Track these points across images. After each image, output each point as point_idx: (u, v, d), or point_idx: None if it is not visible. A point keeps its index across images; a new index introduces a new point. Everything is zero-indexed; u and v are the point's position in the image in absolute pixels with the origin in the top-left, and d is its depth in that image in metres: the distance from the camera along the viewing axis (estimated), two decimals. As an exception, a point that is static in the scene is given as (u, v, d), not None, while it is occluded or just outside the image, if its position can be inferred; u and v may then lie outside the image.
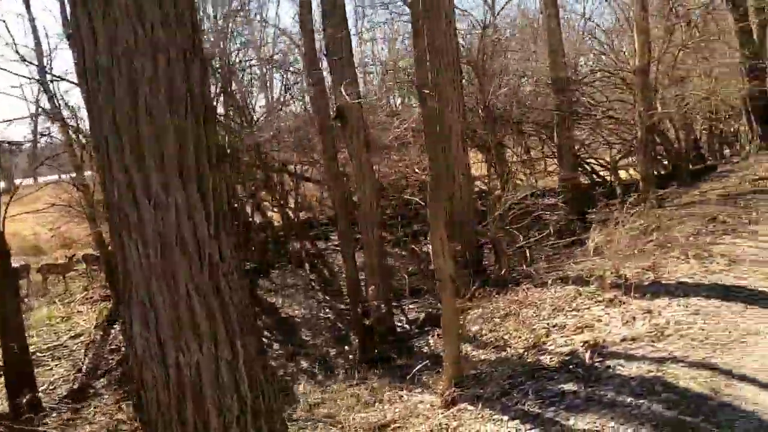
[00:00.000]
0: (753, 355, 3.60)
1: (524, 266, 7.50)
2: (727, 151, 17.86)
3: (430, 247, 9.56)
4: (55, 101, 9.89)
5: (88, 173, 10.01)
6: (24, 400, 5.70)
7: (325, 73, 7.28)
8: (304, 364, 8.14)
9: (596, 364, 3.89)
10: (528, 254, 8.12)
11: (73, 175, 10.77)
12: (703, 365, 3.52)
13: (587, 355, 4.03)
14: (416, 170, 8.00)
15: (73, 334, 9.39)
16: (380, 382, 5.73)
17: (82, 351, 8.65)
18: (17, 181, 11.25)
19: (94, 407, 6.77)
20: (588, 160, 15.54)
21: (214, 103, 9.80)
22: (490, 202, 7.60)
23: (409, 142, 8.12)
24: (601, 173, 15.22)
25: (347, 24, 7.13)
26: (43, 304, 10.88)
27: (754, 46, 13.63)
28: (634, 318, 4.73)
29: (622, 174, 14.42)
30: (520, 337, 5.14)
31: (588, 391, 3.49)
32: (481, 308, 6.30)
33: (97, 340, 9.04)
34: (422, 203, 8.50)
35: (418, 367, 5.03)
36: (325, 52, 6.86)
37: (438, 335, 6.39)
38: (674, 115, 12.65)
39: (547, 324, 5.22)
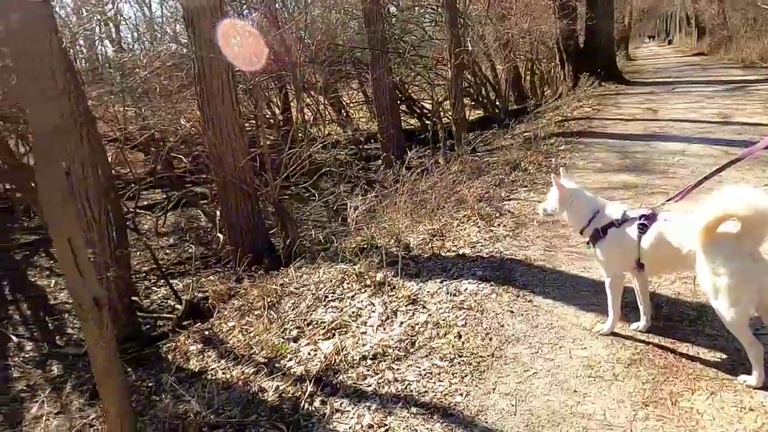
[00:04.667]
0: (506, 380, 2.57)
1: (314, 235, 6.21)
2: (548, 91, 17.90)
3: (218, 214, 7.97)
4: None
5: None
6: None
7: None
8: (56, 370, 6.29)
9: (315, 406, 2.67)
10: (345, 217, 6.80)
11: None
12: (439, 409, 2.42)
13: (307, 390, 2.80)
14: (183, 120, 6.24)
15: None
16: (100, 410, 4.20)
17: None
18: None
19: None
20: (419, 104, 14.59)
21: None
22: (270, 158, 6.11)
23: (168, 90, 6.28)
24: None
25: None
26: None
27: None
28: (395, 313, 3.60)
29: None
30: (265, 344, 3.83)
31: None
32: (245, 296, 4.93)
33: None
34: (185, 160, 6.83)
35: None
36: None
37: (194, 332, 4.95)
38: (491, 54, 11.94)
39: (303, 321, 3.97)
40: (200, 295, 6.24)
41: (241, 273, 5.40)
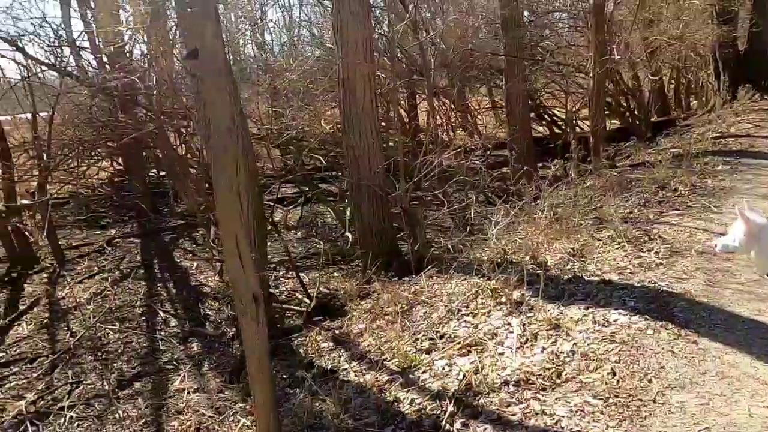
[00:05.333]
0: (674, 432, 2.33)
1: (443, 242, 6.16)
2: (694, 103, 16.44)
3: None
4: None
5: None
6: None
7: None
8: (196, 347, 6.81)
9: (456, 428, 2.61)
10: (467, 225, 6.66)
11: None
12: (596, 454, 2.24)
13: (448, 409, 2.73)
14: (322, 122, 6.49)
15: None
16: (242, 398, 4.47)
17: None
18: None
19: None
20: (549, 111, 14.05)
21: None
22: (401, 162, 6.15)
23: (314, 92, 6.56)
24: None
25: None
26: None
27: (726, -14, 11.95)
28: (535, 337, 3.44)
29: (587, 127, 12.96)
30: (398, 351, 3.83)
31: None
32: (375, 300, 5.00)
33: None
34: (322, 160, 7.06)
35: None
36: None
37: (324, 328, 5.11)
38: (635, 62, 11.15)
39: (435, 333, 3.92)
40: (324, 290, 6.43)
41: (371, 275, 5.49)
